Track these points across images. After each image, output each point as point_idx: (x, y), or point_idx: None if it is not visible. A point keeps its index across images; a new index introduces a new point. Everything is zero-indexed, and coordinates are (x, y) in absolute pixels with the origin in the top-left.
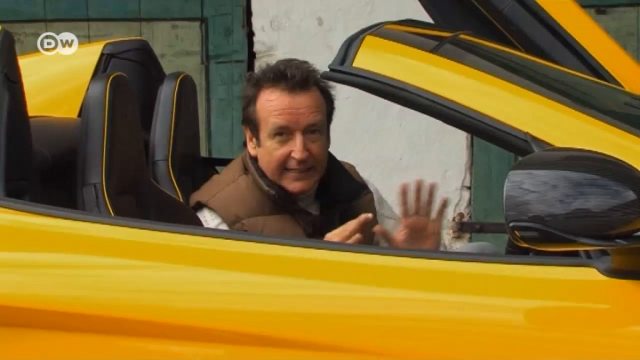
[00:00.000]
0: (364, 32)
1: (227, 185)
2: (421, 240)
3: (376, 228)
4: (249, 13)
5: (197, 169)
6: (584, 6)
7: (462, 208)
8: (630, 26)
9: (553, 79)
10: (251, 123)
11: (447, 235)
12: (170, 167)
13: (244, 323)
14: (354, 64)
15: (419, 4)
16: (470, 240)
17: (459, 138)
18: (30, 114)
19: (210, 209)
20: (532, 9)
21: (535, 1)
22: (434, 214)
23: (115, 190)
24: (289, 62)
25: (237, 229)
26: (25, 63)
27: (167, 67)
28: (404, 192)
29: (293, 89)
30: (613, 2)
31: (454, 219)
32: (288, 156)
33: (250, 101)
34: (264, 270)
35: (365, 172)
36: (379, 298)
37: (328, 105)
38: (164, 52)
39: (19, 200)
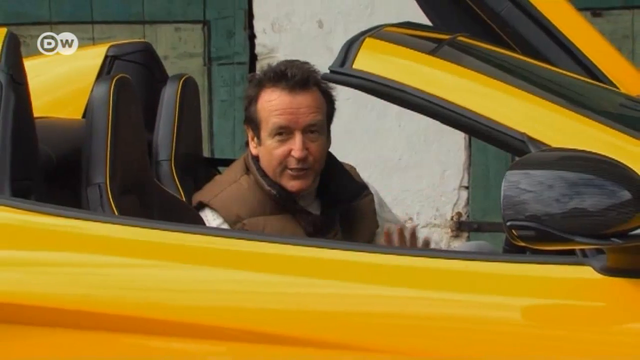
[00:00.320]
0: (363, 34)
1: (228, 186)
2: None
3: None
4: (250, 16)
5: (199, 169)
6: (579, 9)
7: (460, 207)
8: (625, 29)
9: (549, 80)
10: (252, 122)
11: (445, 234)
12: (173, 167)
13: (246, 321)
14: (354, 66)
15: (417, 7)
16: (468, 239)
17: (457, 138)
18: (35, 114)
19: (212, 209)
20: (528, 12)
21: (531, 4)
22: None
23: (119, 189)
24: (290, 63)
25: (238, 229)
26: (30, 65)
27: (170, 69)
28: (387, 235)
29: (293, 88)
30: (608, 5)
31: (452, 218)
32: (288, 155)
33: (251, 101)
34: (267, 269)
35: (365, 172)
36: (379, 296)
37: (328, 106)
38: (167, 54)
39: (24, 199)
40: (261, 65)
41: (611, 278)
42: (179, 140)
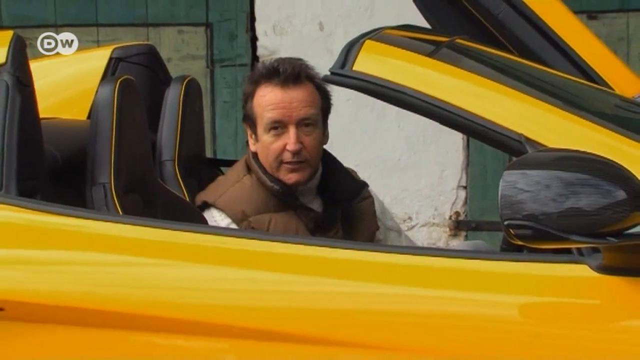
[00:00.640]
0: (363, 36)
1: (232, 185)
2: None
3: None
4: (252, 18)
5: (202, 169)
6: (575, 12)
7: (459, 207)
8: (620, 31)
9: (546, 82)
10: (249, 119)
11: (444, 233)
12: (176, 167)
13: (251, 318)
14: (354, 68)
15: (416, 10)
16: (466, 238)
17: (456, 139)
18: (42, 115)
19: (219, 209)
20: (525, 14)
21: (528, 7)
22: None
23: (124, 189)
24: (282, 59)
25: (244, 226)
26: (37, 66)
27: (174, 70)
28: None
29: (285, 83)
30: (604, 8)
31: (450, 217)
32: (283, 149)
33: (247, 98)
34: (272, 268)
35: (364, 172)
36: (378, 294)
37: (323, 101)
38: (170, 56)
39: (30, 199)
40: None
41: (607, 276)
42: (182, 141)
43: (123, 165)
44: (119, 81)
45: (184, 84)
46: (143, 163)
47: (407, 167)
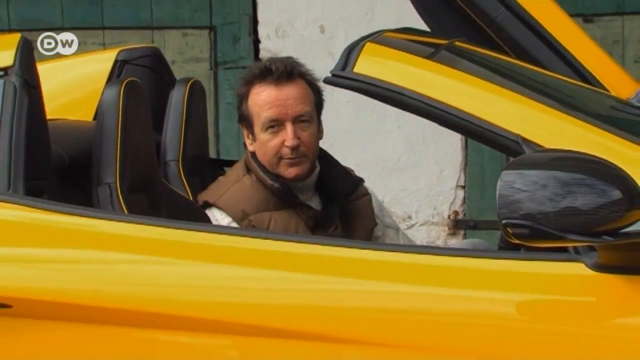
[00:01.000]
0: (364, 39)
1: (232, 185)
2: None
3: None
4: (255, 22)
5: (205, 169)
6: (572, 15)
7: (457, 206)
8: (616, 34)
9: (542, 84)
10: (246, 120)
11: (442, 232)
12: (180, 167)
13: (253, 316)
14: (354, 70)
15: (416, 13)
16: (465, 236)
17: (454, 140)
18: (49, 116)
19: (220, 208)
20: (523, 18)
21: (526, 10)
22: None
23: (129, 189)
24: (273, 59)
25: (245, 225)
26: (44, 69)
27: (178, 72)
28: None
29: (279, 81)
30: (600, 11)
31: (449, 217)
32: (281, 146)
33: (242, 99)
34: (274, 266)
35: (364, 172)
36: (379, 292)
37: (316, 97)
38: (174, 59)
39: (37, 198)
40: None
41: (602, 274)
42: (186, 142)
43: (128, 166)
44: (124, 83)
45: (188, 86)
46: (148, 163)
47: (407, 167)
